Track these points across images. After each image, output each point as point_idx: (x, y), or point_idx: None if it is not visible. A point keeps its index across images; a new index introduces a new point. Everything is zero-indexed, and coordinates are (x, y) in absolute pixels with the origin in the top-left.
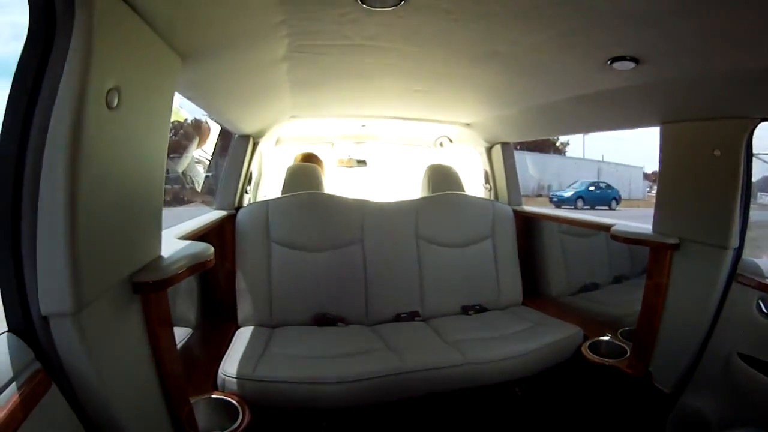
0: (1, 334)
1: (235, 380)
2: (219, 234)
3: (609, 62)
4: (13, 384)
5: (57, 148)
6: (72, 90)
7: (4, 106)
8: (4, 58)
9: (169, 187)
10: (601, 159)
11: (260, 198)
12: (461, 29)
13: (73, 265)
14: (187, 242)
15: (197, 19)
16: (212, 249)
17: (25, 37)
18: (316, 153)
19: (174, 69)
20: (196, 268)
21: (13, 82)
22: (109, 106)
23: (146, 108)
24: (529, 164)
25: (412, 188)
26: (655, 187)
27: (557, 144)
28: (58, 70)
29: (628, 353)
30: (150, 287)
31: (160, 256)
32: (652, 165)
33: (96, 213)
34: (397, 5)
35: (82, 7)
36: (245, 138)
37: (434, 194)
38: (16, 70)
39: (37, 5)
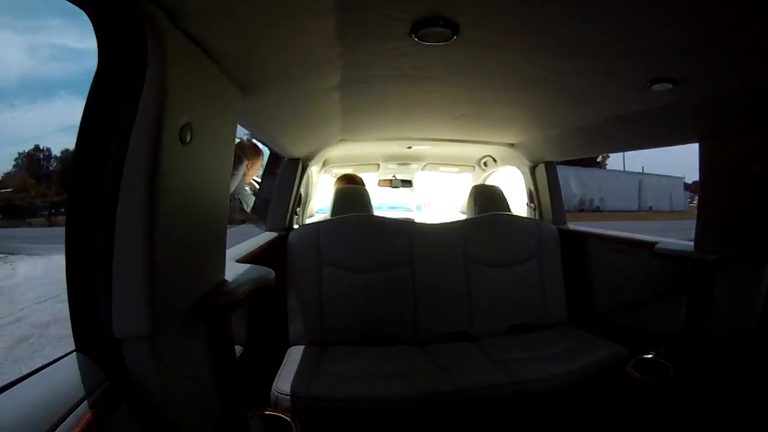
0: (69, 353)
1: (288, 397)
2: (270, 255)
3: (648, 84)
4: (85, 402)
5: (134, 180)
6: (149, 127)
7: (77, 134)
8: (45, 77)
9: None
10: (641, 171)
11: (307, 219)
12: (508, 59)
13: (151, 291)
14: (247, 266)
15: (258, 53)
16: (273, 273)
17: (60, 58)
18: (357, 175)
19: (236, 101)
20: (260, 291)
21: (84, 115)
22: (182, 141)
23: (213, 140)
24: (571, 180)
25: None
26: (696, 197)
27: (597, 158)
28: (133, 108)
29: (672, 371)
30: (217, 311)
31: (224, 280)
32: (692, 175)
33: (170, 241)
34: (448, 40)
35: (155, 47)
36: (295, 161)
37: (481, 215)
38: (88, 102)
39: (107, 42)
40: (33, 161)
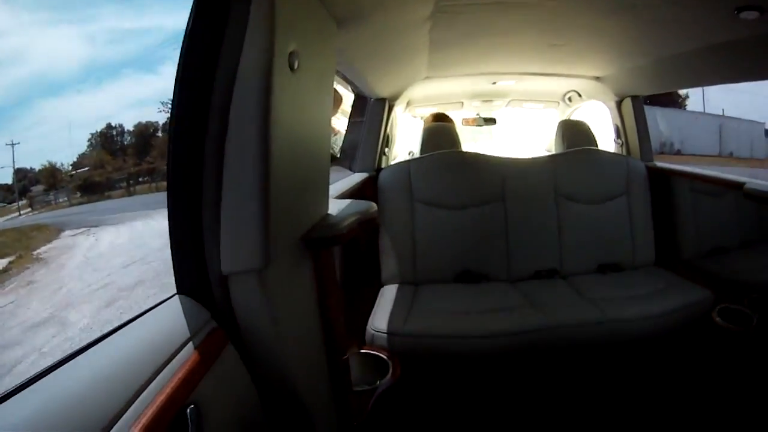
0: (172, 296)
1: (385, 335)
2: (361, 196)
3: (735, 11)
4: (191, 343)
5: (245, 109)
6: (259, 52)
7: (175, 73)
8: (107, 60)
9: None
10: (722, 113)
11: (392, 160)
12: None
13: (265, 223)
14: (348, 201)
15: None
16: (375, 206)
17: (118, 41)
18: (445, 113)
19: (332, 34)
20: (364, 225)
21: (184, 50)
22: (291, 68)
23: (316, 72)
24: (659, 119)
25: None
26: None
27: (678, 98)
28: (239, 34)
29: (755, 322)
30: (323, 243)
31: (329, 214)
32: None
33: (281, 173)
34: None
35: None
36: (381, 101)
37: (570, 150)
38: (185, 38)
39: None
40: (106, 139)
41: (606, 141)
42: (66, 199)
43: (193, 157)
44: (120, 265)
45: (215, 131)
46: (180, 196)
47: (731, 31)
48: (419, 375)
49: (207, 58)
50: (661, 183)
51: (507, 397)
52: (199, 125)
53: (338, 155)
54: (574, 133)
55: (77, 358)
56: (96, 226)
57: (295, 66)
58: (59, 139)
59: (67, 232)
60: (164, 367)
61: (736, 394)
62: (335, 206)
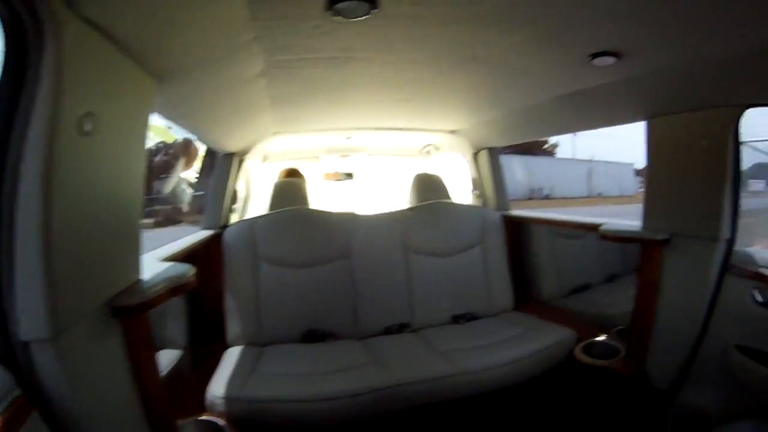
0: None
1: (223, 401)
2: (206, 254)
3: (589, 59)
4: None
5: (31, 174)
6: (44, 117)
7: None
8: None
9: (160, 208)
10: (591, 159)
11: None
12: (436, 35)
13: (49, 291)
14: (169, 264)
15: (169, 41)
16: (193, 270)
17: None
18: (298, 168)
19: (149, 91)
20: (177, 290)
21: None
22: (82, 131)
23: (122, 131)
24: (516, 168)
25: (400, 198)
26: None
27: (546, 146)
28: (32, 98)
29: (623, 353)
30: (129, 311)
31: (140, 280)
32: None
33: (71, 238)
34: (367, 15)
35: (51, 36)
36: (230, 156)
37: (422, 204)
38: None
39: (9, 34)
40: None
41: (467, 190)
42: None
43: None
44: None
45: (8, 192)
46: None
47: (586, 78)
48: None
49: (6, 119)
50: (519, 230)
51: None
52: None
53: (185, 209)
54: (428, 187)
55: None
56: None
57: (88, 129)
58: None
59: None
60: None
61: (609, 427)
62: (155, 269)
